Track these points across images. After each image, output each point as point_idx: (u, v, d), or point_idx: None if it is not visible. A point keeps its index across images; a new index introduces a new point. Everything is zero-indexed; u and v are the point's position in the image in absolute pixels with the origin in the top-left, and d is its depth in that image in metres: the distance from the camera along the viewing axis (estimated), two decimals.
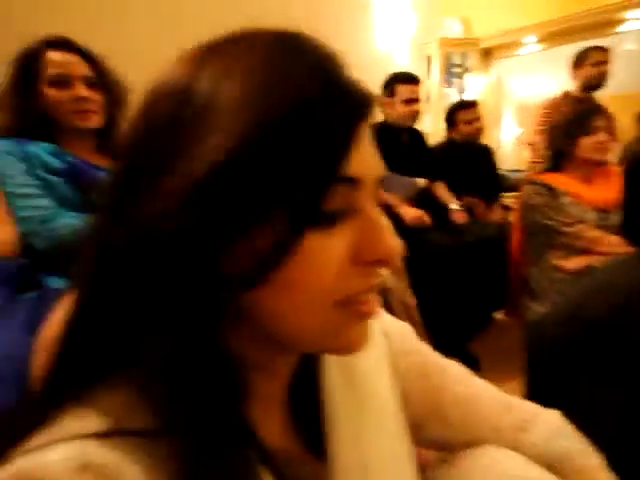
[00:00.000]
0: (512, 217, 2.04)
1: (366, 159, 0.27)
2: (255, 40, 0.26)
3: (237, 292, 0.25)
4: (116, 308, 0.25)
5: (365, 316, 0.28)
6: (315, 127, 0.23)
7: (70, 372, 0.26)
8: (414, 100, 1.82)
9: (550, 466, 0.39)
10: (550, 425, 0.43)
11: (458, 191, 2.00)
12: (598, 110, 1.45)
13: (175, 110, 0.24)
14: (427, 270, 1.57)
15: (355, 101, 0.26)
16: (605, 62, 2.14)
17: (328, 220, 0.25)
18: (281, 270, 0.24)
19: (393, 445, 0.36)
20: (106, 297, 0.25)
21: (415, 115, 1.85)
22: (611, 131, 1.49)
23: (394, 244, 0.27)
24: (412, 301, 1.28)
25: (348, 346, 0.28)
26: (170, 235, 0.23)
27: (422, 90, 1.94)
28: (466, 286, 1.62)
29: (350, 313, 0.27)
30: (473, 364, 1.58)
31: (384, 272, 0.30)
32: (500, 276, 1.70)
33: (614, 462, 0.42)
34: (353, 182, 0.25)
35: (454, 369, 0.45)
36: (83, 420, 0.23)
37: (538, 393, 0.61)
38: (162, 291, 0.24)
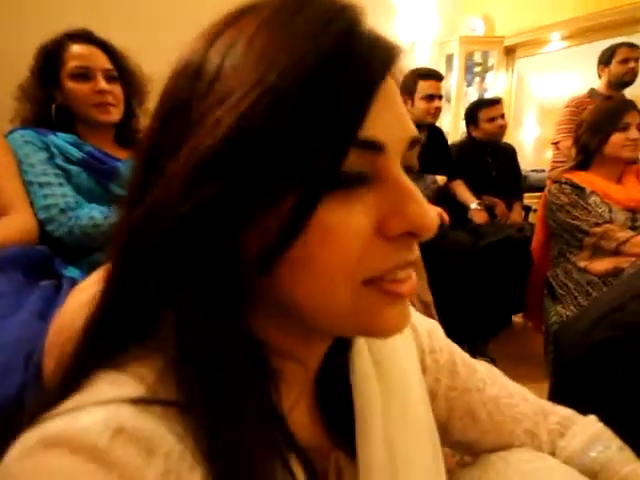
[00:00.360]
0: (534, 217, 1.98)
1: (391, 121, 0.24)
2: (265, 3, 0.25)
3: (258, 274, 0.23)
4: (142, 285, 0.24)
5: (400, 296, 0.25)
6: (327, 86, 0.21)
7: (101, 341, 0.26)
8: (435, 96, 1.78)
9: (589, 473, 0.37)
10: (588, 431, 0.40)
11: (479, 190, 1.95)
12: (630, 106, 1.38)
13: (188, 88, 0.24)
14: (445, 269, 1.54)
15: (376, 56, 0.23)
16: (634, 59, 2.06)
17: (346, 187, 0.22)
18: (301, 247, 0.22)
19: (423, 442, 0.35)
20: (133, 276, 0.24)
21: (436, 112, 1.80)
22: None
23: (424, 212, 0.23)
24: (430, 299, 1.24)
25: (384, 328, 0.26)
26: (182, 217, 0.21)
27: (443, 88, 1.89)
28: (485, 287, 1.57)
29: (382, 293, 0.24)
30: None
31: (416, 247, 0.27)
32: (520, 278, 1.64)
33: None
34: (375, 147, 0.23)
35: (485, 369, 0.43)
36: (116, 385, 0.23)
37: (567, 397, 0.58)
38: (181, 270, 0.23)
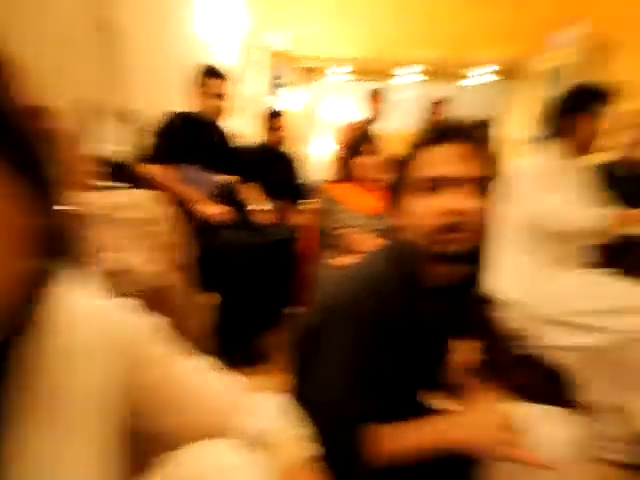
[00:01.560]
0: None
1: None
2: None
3: None
4: None
5: None
6: None
7: None
8: (218, 95, 1.80)
9: (259, 446, 0.41)
10: (264, 408, 0.46)
11: (263, 193, 2.07)
12: (367, 137, 1.75)
13: None
14: (222, 267, 1.57)
15: None
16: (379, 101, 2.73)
17: None
18: None
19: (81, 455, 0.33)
20: None
21: (217, 111, 1.83)
22: (376, 153, 1.81)
23: None
24: (199, 299, 1.24)
25: None
26: None
27: (237, 90, 1.93)
28: (257, 284, 1.67)
29: None
30: (261, 358, 1.65)
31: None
32: (290, 274, 1.82)
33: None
34: None
35: (184, 362, 0.44)
36: None
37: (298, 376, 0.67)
38: None
